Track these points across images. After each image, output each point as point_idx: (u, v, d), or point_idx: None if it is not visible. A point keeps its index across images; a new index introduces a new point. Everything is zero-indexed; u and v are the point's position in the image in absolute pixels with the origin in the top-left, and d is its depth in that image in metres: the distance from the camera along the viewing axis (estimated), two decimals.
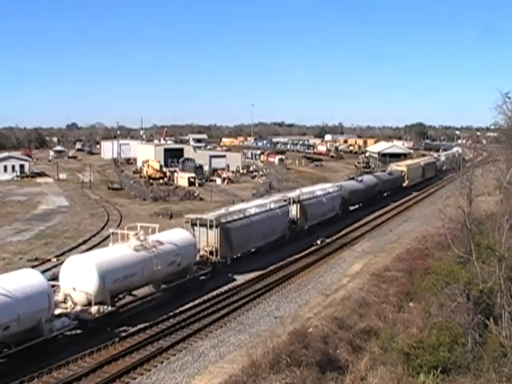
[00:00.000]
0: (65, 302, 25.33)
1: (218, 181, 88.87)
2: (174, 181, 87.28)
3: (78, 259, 26.65)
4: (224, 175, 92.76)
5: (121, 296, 27.80)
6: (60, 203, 68.46)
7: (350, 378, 20.45)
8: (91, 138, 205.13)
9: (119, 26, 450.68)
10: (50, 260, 38.16)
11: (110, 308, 25.68)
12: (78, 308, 25.19)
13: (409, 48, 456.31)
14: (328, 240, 45.10)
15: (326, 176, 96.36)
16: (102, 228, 48.90)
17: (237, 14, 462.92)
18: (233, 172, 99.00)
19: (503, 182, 30.51)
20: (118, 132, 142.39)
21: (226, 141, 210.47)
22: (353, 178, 66.28)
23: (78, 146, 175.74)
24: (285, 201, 44.27)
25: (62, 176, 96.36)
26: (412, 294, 30.03)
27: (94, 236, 46.39)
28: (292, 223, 44.42)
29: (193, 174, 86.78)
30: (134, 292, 28.81)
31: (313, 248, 42.36)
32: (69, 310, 24.88)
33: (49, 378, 20.88)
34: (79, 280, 25.33)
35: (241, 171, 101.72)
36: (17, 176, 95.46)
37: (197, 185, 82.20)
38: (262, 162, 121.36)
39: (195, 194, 71.97)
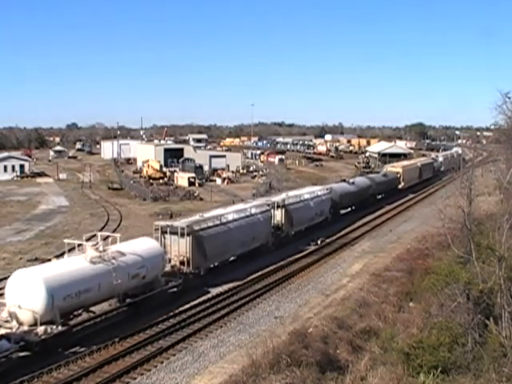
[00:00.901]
0: (9, 321, 22.80)
1: (218, 181, 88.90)
2: (174, 181, 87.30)
3: (25, 273, 23.93)
4: (224, 175, 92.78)
5: (76, 313, 25.39)
6: (60, 203, 68.50)
7: (350, 378, 20.44)
8: (91, 138, 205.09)
9: (119, 25, 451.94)
10: (49, 260, 38.10)
11: (59, 328, 23.07)
12: (25, 328, 22.50)
13: (409, 48, 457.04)
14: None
15: (325, 176, 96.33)
16: (102, 228, 48.82)
17: (237, 13, 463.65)
18: (233, 172, 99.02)
19: (503, 182, 30.52)
20: (118, 132, 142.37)
21: (227, 141, 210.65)
22: (344, 180, 63.63)
23: (78, 146, 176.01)
24: (268, 205, 41.58)
25: (62, 176, 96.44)
26: (412, 293, 30.02)
27: (93, 236, 46.26)
28: (276, 229, 41.96)
29: (193, 174, 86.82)
30: (93, 308, 26.39)
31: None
32: (13, 331, 22.22)
33: None
34: (25, 297, 22.75)
35: (241, 171, 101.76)
36: (17, 176, 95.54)
37: (197, 185, 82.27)
38: (262, 161, 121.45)
39: (195, 194, 72.04)
